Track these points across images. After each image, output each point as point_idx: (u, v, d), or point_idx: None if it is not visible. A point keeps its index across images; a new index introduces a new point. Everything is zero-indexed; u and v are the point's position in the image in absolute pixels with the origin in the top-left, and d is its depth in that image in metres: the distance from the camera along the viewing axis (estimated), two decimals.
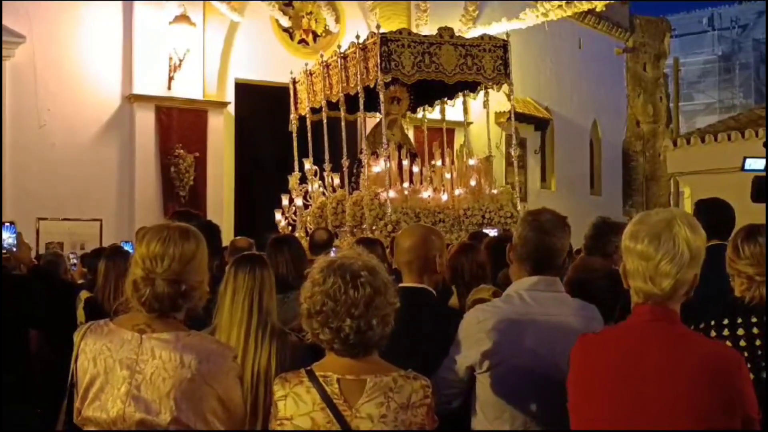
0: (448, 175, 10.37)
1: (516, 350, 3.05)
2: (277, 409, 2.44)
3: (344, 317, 2.33)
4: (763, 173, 4.93)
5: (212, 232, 4.87)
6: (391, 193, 9.59)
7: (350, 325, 2.33)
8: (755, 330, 2.92)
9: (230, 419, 2.65)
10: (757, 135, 12.20)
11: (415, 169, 10.53)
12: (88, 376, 2.64)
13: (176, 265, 2.60)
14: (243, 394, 2.98)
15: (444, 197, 10.09)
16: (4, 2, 11.96)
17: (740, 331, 2.93)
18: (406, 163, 10.51)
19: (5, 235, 4.35)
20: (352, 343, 2.34)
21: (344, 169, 10.33)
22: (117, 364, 2.60)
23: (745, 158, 4.84)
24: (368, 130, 11.62)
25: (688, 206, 13.84)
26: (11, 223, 4.45)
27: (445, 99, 11.82)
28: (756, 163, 4.91)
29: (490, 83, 10.29)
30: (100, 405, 2.60)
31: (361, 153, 10.63)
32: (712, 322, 3.00)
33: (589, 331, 2.90)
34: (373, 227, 9.39)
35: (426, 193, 10.13)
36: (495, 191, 10.46)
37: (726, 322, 2.97)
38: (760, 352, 2.88)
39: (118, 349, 2.62)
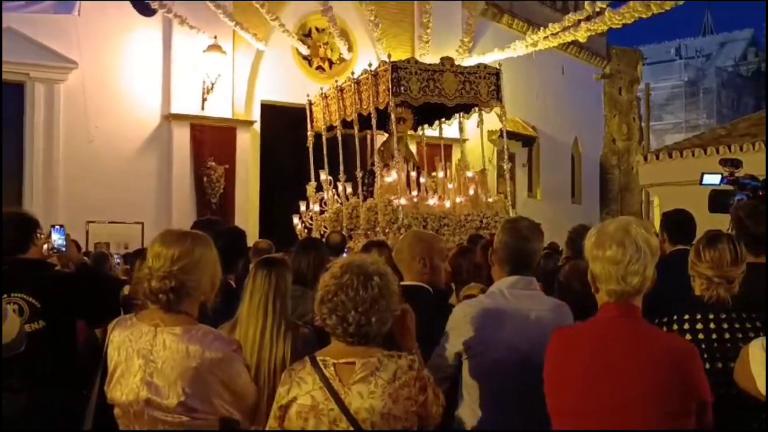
0: (450, 186, 10.44)
1: (497, 339, 3.08)
2: (279, 395, 2.51)
3: (350, 309, 2.41)
4: (718, 187, 4.95)
5: (236, 236, 4.87)
6: (403, 200, 9.65)
7: (354, 317, 2.42)
8: (712, 325, 2.94)
9: (237, 401, 2.69)
10: (717, 152, 12.21)
11: (422, 180, 10.60)
12: (113, 362, 2.71)
13: (168, 263, 2.64)
14: (261, 382, 3.01)
15: (447, 204, 10.17)
16: (57, 32, 12.07)
17: (699, 326, 2.95)
18: (413, 174, 10.57)
19: (55, 236, 4.36)
20: (351, 332, 2.44)
21: (358, 179, 10.37)
22: (135, 354, 2.65)
23: (702, 174, 4.85)
24: (377, 146, 11.66)
25: (657, 214, 13.78)
26: (60, 225, 4.46)
27: (443, 119, 11.86)
28: (711, 179, 4.93)
29: (484, 106, 10.31)
30: (120, 388, 2.66)
31: (372, 165, 10.70)
32: (675, 317, 3.02)
33: (562, 325, 2.91)
34: (386, 230, 9.44)
35: (432, 201, 10.20)
36: (491, 200, 10.53)
37: (687, 317, 2.99)
38: (715, 345, 2.90)
39: (137, 341, 2.67)
